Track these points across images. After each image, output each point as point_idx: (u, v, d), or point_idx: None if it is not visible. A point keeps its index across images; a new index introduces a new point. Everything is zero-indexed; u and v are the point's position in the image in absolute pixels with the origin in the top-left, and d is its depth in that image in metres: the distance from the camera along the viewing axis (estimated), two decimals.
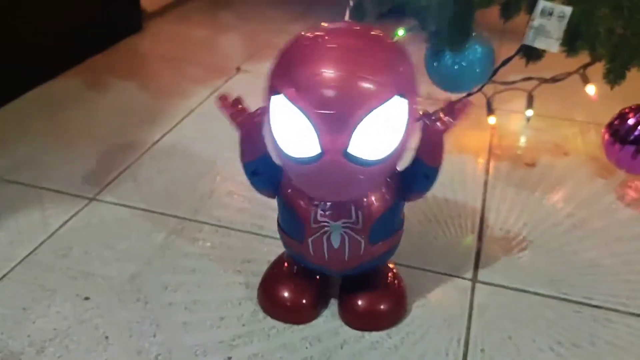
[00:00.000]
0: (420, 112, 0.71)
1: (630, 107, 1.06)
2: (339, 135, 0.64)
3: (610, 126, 1.07)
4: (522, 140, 1.34)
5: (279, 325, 0.83)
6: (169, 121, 1.36)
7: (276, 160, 0.74)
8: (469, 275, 0.93)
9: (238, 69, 1.62)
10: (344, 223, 0.74)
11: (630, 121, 1.02)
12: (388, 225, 0.78)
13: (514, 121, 1.39)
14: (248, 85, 1.53)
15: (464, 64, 1.07)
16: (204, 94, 1.48)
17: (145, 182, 1.14)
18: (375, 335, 0.82)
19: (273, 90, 0.67)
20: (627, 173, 1.09)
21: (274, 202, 0.81)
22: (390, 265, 0.87)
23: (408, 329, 0.83)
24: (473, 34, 1.08)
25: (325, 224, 0.75)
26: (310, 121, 0.64)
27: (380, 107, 0.63)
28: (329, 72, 0.62)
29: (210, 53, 1.73)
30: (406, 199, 0.79)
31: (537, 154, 1.27)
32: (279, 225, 0.83)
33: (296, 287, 0.84)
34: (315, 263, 0.79)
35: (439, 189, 1.11)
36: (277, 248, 0.96)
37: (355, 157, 0.65)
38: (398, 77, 0.65)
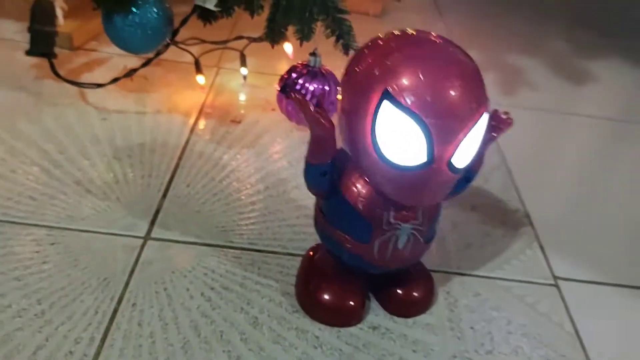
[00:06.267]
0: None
1: (301, 62, 1.12)
2: (449, 146, 0.66)
3: (280, 80, 1.13)
4: (239, 99, 1.39)
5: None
6: None
7: (364, 162, 0.72)
8: (142, 233, 0.96)
9: None
10: (413, 225, 0.76)
11: (294, 75, 1.09)
12: (437, 225, 0.83)
13: (232, 80, 1.44)
14: None
15: (134, 25, 1.07)
16: None
17: None
18: (22, 303, 0.82)
19: (382, 94, 0.65)
20: (298, 125, 1.16)
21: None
22: None
23: (61, 293, 0.84)
24: None
25: (397, 226, 0.76)
26: (424, 130, 0.64)
27: (482, 118, 0.67)
28: (445, 83, 0.64)
29: None
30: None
31: (248, 111, 1.33)
32: (329, 225, 0.81)
33: (342, 289, 0.85)
34: (375, 263, 0.80)
35: (137, 151, 1.12)
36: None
37: (455, 166, 0.68)
38: (485, 88, 0.69)
